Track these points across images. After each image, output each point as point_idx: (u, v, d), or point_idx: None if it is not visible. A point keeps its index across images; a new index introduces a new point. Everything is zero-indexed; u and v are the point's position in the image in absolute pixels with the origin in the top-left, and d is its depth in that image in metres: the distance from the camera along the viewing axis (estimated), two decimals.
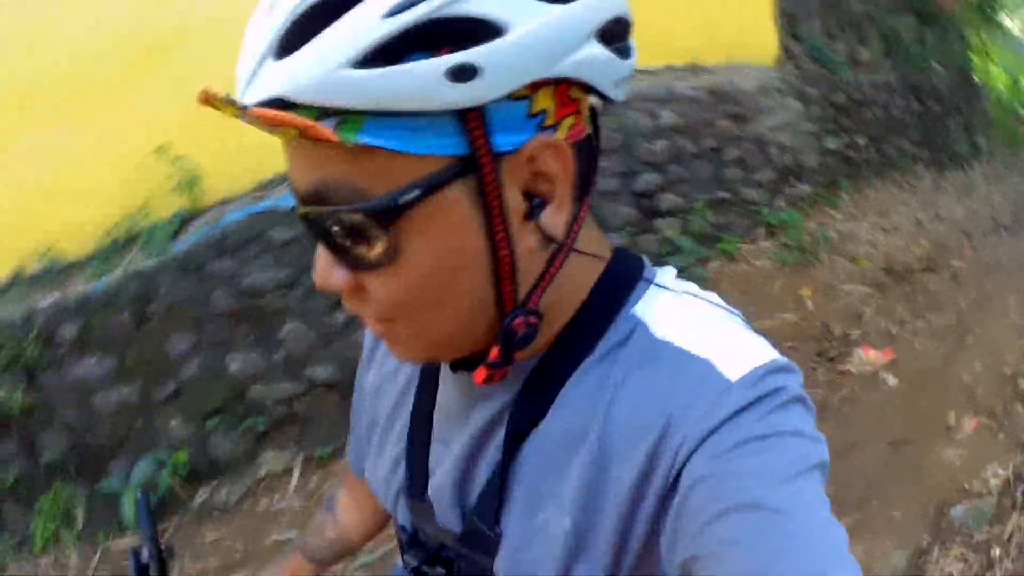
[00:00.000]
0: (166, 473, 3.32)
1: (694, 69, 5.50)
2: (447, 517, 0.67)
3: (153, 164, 3.69)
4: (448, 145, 0.50)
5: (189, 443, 3.39)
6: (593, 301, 0.61)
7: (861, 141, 6.22)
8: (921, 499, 2.94)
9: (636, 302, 0.61)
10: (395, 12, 0.46)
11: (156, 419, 3.41)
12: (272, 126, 0.48)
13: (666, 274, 0.64)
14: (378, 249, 0.52)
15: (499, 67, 0.47)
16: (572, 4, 0.50)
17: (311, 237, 0.55)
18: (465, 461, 0.65)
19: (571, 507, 0.57)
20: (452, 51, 0.47)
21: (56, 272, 3.72)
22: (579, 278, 0.61)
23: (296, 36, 0.48)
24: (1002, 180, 6.90)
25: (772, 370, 0.54)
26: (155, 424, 3.41)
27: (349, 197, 0.50)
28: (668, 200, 4.72)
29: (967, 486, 2.99)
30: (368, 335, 0.85)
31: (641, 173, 4.61)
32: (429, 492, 0.69)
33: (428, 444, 0.70)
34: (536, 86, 0.51)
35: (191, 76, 3.65)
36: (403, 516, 0.73)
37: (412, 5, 0.46)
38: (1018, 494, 2.91)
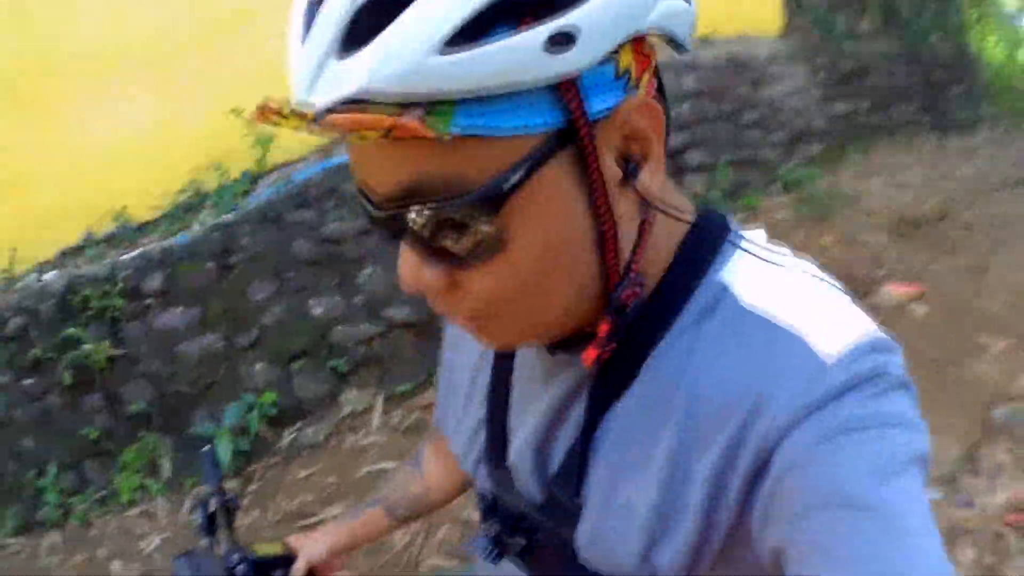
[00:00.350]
0: (255, 416, 3.47)
1: (710, 40, 5.79)
2: (527, 485, 0.66)
3: (220, 127, 3.81)
4: (544, 120, 0.47)
5: (274, 387, 3.56)
6: (678, 265, 0.58)
7: (866, 106, 6.53)
8: (967, 404, 3.23)
9: (722, 266, 0.58)
10: None
11: (241, 365, 3.58)
12: (351, 131, 0.44)
13: (755, 236, 0.61)
14: (482, 241, 0.49)
15: (594, 31, 0.45)
16: None
17: (396, 237, 0.52)
18: (545, 429, 0.64)
19: (656, 483, 0.55)
20: (535, 21, 0.43)
21: (130, 232, 3.87)
22: (665, 239, 0.58)
23: (363, 27, 0.43)
24: (1005, 145, 7.20)
25: (872, 349, 0.51)
26: (240, 370, 3.58)
27: (446, 190, 0.47)
28: (695, 158, 5.03)
29: (1006, 392, 3.27)
30: None
31: (669, 132, 4.91)
32: (509, 459, 0.68)
33: (507, 410, 0.69)
34: (619, 45, 0.48)
35: (260, 43, 3.87)
36: (483, 483, 0.72)
37: None
38: None
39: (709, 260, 0.58)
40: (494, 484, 0.70)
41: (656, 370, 0.57)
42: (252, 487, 3.36)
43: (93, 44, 3.74)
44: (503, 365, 0.70)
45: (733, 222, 0.62)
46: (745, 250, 0.59)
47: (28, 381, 3.33)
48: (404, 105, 0.43)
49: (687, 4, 0.52)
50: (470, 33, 0.43)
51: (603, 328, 0.55)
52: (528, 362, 0.67)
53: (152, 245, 3.62)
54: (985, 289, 4.31)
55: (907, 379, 0.52)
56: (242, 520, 3.16)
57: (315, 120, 0.43)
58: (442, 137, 0.44)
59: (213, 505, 0.90)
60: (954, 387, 3.36)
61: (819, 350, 0.50)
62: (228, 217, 3.62)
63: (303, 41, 0.46)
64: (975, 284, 4.41)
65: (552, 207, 0.49)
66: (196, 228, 3.64)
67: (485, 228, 0.48)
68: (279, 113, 0.44)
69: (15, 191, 3.66)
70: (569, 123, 0.47)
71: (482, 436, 0.71)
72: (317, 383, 3.61)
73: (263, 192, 3.78)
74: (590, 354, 0.55)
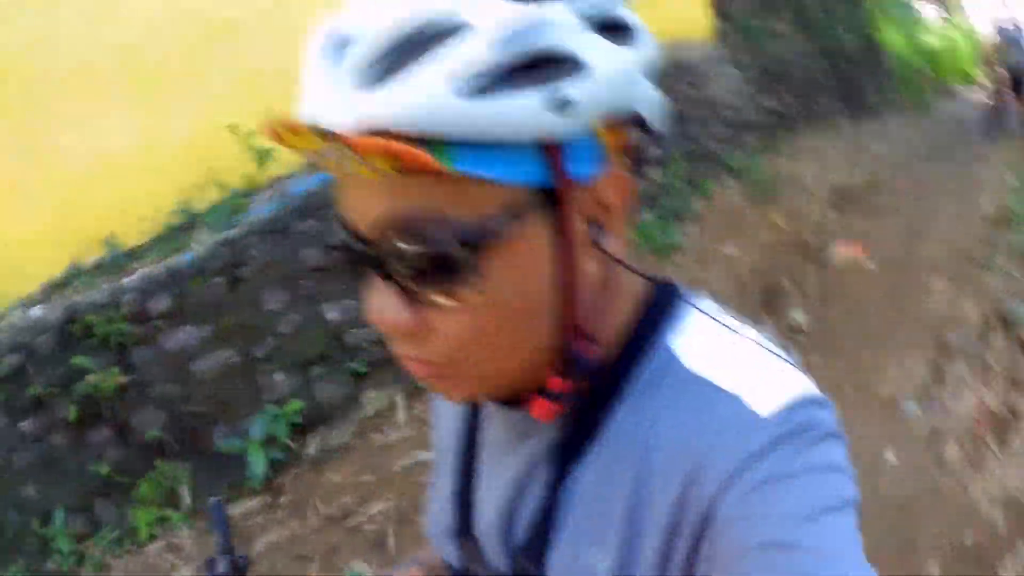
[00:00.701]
0: (282, 425, 3.48)
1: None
2: (495, 556, 0.67)
3: (206, 143, 3.87)
4: (531, 175, 0.50)
5: (295, 394, 3.61)
6: (633, 332, 0.61)
7: (789, 99, 7.15)
8: (924, 331, 3.69)
9: (672, 332, 0.60)
10: (498, 43, 0.47)
11: (259, 377, 3.63)
12: (367, 155, 0.46)
13: (700, 303, 0.63)
14: (462, 281, 0.51)
15: (588, 101, 0.49)
16: (634, 47, 0.54)
17: (373, 272, 0.53)
18: (510, 499, 0.65)
19: (612, 547, 0.57)
20: (540, 83, 0.48)
21: (121, 258, 3.82)
22: (621, 306, 0.61)
23: (389, 66, 0.47)
24: (913, 125, 8.03)
25: (803, 404, 0.53)
26: (259, 382, 3.62)
27: (436, 227, 0.50)
28: (652, 152, 5.48)
29: (954, 319, 3.74)
30: None
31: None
32: (476, 530, 0.69)
33: (474, 482, 0.70)
34: (602, 121, 0.53)
35: (248, 61, 4.04)
36: (451, 554, 0.73)
37: (514, 38, 0.47)
38: (994, 321, 3.67)
39: (661, 327, 0.60)
40: (463, 556, 0.70)
41: (613, 434, 0.59)
42: (285, 498, 3.34)
43: (74, 58, 3.69)
44: (471, 437, 0.72)
45: (683, 289, 0.65)
46: (690, 315, 0.61)
47: (26, 423, 3.18)
48: (414, 140, 0.46)
49: (660, 97, 0.57)
50: (485, 85, 0.47)
51: (557, 382, 0.57)
52: (495, 434, 0.69)
53: (156, 265, 3.62)
54: (920, 243, 4.85)
55: (836, 430, 0.54)
56: (280, 533, 3.15)
57: (334, 140, 0.46)
58: (448, 172, 0.47)
59: (222, 566, 0.84)
60: (911, 320, 3.82)
61: (753, 409, 0.53)
62: (233, 232, 3.72)
63: (327, 71, 0.49)
64: (909, 239, 4.95)
65: (527, 257, 0.52)
66: (197, 246, 3.70)
67: (465, 268, 0.50)
68: (293, 131, 0.47)
69: None
70: (551, 182, 0.51)
71: (449, 509, 0.72)
72: (337, 386, 3.78)
73: (264, 206, 3.95)
74: (540, 405, 0.58)
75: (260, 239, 3.78)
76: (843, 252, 4.77)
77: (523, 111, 0.48)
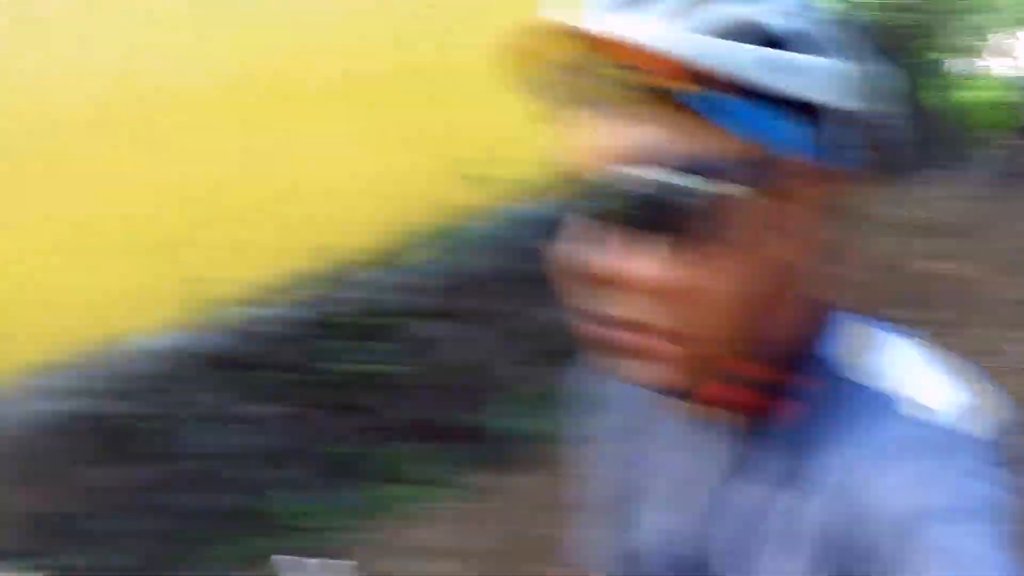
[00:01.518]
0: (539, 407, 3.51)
1: None
2: (656, 573, 0.65)
3: (426, 171, 3.93)
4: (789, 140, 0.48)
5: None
6: (801, 346, 0.55)
7: None
8: None
9: (837, 347, 0.56)
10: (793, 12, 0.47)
11: (507, 368, 3.76)
12: (634, 65, 0.44)
13: (860, 320, 0.58)
14: (716, 230, 0.46)
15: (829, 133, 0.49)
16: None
17: (596, 216, 0.48)
18: (673, 519, 0.63)
19: (768, 568, 0.54)
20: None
21: (343, 267, 3.85)
22: (801, 313, 0.56)
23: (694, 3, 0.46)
24: (960, 174, 9.18)
25: (982, 444, 0.48)
26: (506, 373, 3.76)
27: (688, 161, 0.46)
28: None
29: None
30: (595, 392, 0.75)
31: None
32: (643, 558, 0.67)
33: (645, 505, 0.67)
34: None
35: (449, 84, 4.02)
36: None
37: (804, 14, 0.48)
38: None
39: (828, 342, 0.56)
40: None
41: (775, 452, 0.55)
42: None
43: (286, 81, 3.79)
44: (642, 465, 0.68)
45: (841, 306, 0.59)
46: (857, 332, 0.57)
47: (255, 407, 3.35)
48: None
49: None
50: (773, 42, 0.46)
51: (745, 366, 0.53)
52: (658, 457, 0.65)
53: (396, 269, 3.85)
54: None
55: (1006, 461, 0.48)
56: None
57: (604, 46, 0.45)
58: (701, 108, 0.45)
59: None
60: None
61: (924, 435, 0.48)
62: (466, 245, 4.03)
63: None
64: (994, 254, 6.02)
65: (773, 232, 0.49)
66: (434, 255, 4.01)
67: (713, 211, 0.46)
68: (559, 34, 0.46)
69: (222, 223, 3.54)
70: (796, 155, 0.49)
71: (613, 534, 0.70)
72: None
73: (483, 229, 4.17)
74: (720, 389, 0.54)
75: (490, 253, 4.05)
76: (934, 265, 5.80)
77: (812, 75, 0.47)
